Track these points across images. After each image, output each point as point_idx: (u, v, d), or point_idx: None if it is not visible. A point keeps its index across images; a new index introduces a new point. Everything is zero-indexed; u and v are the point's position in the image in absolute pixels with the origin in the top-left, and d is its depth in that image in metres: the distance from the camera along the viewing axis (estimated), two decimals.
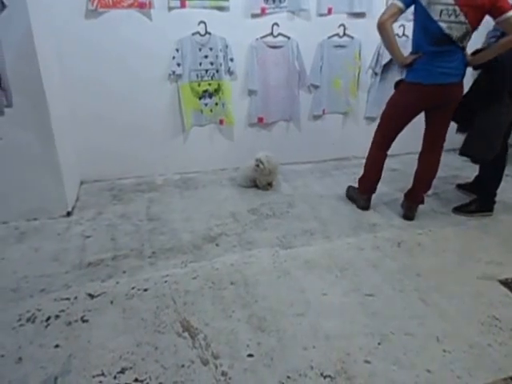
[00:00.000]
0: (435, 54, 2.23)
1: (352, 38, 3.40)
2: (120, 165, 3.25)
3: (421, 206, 2.65)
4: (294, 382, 1.44)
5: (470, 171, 3.14)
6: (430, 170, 2.58)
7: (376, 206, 2.79)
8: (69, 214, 2.64)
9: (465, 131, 2.75)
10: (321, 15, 3.28)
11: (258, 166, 2.94)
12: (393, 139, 2.58)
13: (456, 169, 3.53)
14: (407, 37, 3.33)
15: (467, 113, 2.54)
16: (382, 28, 2.23)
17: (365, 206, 2.75)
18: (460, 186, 3.13)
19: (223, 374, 1.47)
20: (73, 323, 1.71)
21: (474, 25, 2.17)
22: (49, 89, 2.42)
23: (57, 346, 1.59)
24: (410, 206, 2.64)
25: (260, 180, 3.07)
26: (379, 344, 1.62)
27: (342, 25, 3.34)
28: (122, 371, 1.48)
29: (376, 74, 3.57)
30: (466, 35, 2.19)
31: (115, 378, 1.45)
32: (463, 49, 2.25)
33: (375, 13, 3.27)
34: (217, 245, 2.33)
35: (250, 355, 1.55)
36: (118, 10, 2.85)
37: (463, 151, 2.64)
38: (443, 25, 2.14)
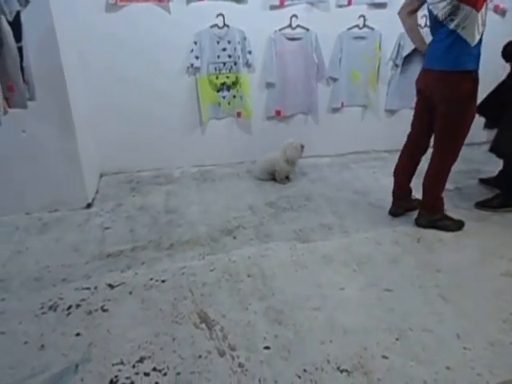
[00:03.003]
0: (434, 38, 2.15)
1: (372, 29, 3.33)
2: (139, 157, 3.29)
3: None
4: (311, 375, 1.44)
5: (493, 165, 3.05)
6: (426, 175, 2.34)
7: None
8: (89, 205, 2.69)
9: (493, 127, 2.66)
10: (340, 6, 3.23)
11: (302, 146, 3.02)
12: (418, 133, 2.40)
13: (478, 163, 3.43)
14: None
15: (498, 107, 2.45)
16: (400, 18, 2.27)
17: (391, 211, 2.58)
18: (483, 181, 3.05)
19: (240, 365, 1.48)
20: (93, 312, 1.75)
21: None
22: (70, 82, 2.46)
23: (78, 334, 1.63)
24: (419, 210, 2.44)
25: (281, 172, 3.06)
26: (397, 340, 1.60)
27: (362, 16, 3.28)
28: (141, 360, 1.50)
29: (397, 65, 3.49)
30: (453, 13, 1.96)
31: (134, 366, 1.48)
32: (454, 32, 1.99)
33: (397, 3, 3.19)
34: (234, 237, 2.34)
35: (267, 348, 1.56)
36: (138, 4, 2.87)
37: (494, 148, 2.55)
38: (432, 7, 2.08)
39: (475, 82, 2.10)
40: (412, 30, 2.28)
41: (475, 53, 2.04)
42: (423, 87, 2.27)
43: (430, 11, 2.10)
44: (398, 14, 2.27)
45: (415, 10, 2.22)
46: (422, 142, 2.43)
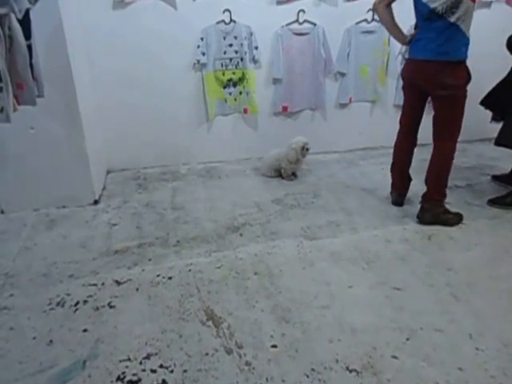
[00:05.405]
0: (426, 30, 2.18)
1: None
2: (145, 154, 3.29)
3: (452, 199, 2.54)
4: (319, 374, 1.42)
5: (506, 162, 2.99)
6: (430, 166, 2.35)
7: (406, 197, 2.70)
8: (96, 202, 2.69)
9: (500, 120, 2.62)
10: (348, 0, 3.18)
11: (306, 149, 2.96)
12: (409, 125, 2.46)
13: (491, 159, 3.37)
14: None
15: (504, 100, 2.41)
16: (375, 11, 2.37)
17: (394, 201, 2.63)
18: (496, 178, 2.99)
19: (247, 363, 1.46)
20: (100, 308, 1.74)
21: None
22: (78, 79, 2.46)
23: (85, 330, 1.63)
24: (421, 205, 2.40)
25: (286, 169, 3.03)
26: (407, 339, 1.57)
27: (371, 9, 3.22)
28: (148, 357, 1.49)
29: (405, 59, 3.43)
30: (455, 7, 2.03)
31: (141, 363, 1.47)
32: (454, 25, 2.06)
33: None
34: (240, 234, 2.32)
35: (274, 346, 1.54)
36: (144, 1, 2.86)
37: (499, 141, 2.51)
38: (426, 0, 2.09)
39: (467, 69, 2.19)
40: (393, 23, 2.32)
41: (468, 43, 2.14)
42: (415, 77, 2.31)
43: (423, 4, 2.11)
44: (375, 8, 2.32)
45: (391, 2, 2.26)
46: (414, 135, 2.48)
